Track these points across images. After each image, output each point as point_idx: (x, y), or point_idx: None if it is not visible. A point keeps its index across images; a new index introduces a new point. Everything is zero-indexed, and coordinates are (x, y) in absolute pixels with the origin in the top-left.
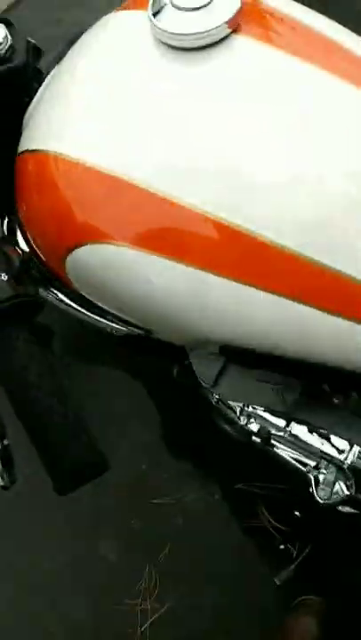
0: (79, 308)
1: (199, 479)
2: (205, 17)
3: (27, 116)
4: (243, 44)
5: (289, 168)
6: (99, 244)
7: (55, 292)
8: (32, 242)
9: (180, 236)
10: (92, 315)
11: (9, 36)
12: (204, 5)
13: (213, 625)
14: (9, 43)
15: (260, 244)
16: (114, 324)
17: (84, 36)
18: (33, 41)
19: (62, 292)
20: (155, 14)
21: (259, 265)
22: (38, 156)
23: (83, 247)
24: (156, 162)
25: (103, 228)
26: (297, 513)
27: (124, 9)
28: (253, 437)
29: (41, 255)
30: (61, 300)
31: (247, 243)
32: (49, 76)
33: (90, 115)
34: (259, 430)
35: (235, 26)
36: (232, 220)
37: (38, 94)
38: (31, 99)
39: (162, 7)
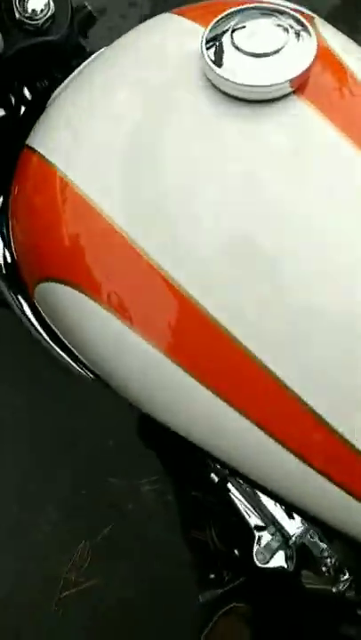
0: (41, 331)
1: (161, 473)
2: (268, 67)
3: (50, 100)
4: (299, 110)
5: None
6: (74, 289)
7: (21, 300)
8: (12, 232)
9: (169, 322)
10: (49, 341)
11: (52, 4)
12: (272, 53)
13: (129, 613)
14: (50, 12)
15: (238, 354)
16: (72, 363)
17: (131, 35)
18: (89, 7)
19: (28, 305)
20: (209, 41)
21: (228, 374)
22: (47, 166)
23: (58, 284)
24: (170, 241)
25: (94, 277)
26: (236, 551)
27: (183, 14)
28: (212, 474)
29: (15, 252)
30: (24, 313)
31: (208, 333)
32: (84, 65)
33: (118, 161)
34: (218, 470)
35: (298, 85)
36: (215, 315)
37: (68, 82)
38: (65, 77)
39: (222, 33)
